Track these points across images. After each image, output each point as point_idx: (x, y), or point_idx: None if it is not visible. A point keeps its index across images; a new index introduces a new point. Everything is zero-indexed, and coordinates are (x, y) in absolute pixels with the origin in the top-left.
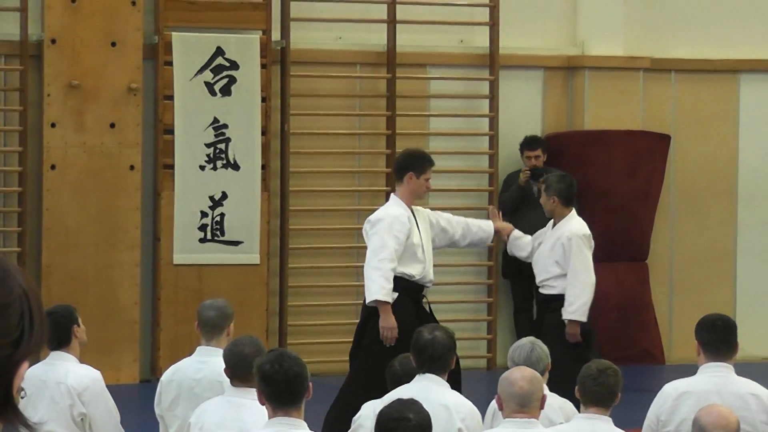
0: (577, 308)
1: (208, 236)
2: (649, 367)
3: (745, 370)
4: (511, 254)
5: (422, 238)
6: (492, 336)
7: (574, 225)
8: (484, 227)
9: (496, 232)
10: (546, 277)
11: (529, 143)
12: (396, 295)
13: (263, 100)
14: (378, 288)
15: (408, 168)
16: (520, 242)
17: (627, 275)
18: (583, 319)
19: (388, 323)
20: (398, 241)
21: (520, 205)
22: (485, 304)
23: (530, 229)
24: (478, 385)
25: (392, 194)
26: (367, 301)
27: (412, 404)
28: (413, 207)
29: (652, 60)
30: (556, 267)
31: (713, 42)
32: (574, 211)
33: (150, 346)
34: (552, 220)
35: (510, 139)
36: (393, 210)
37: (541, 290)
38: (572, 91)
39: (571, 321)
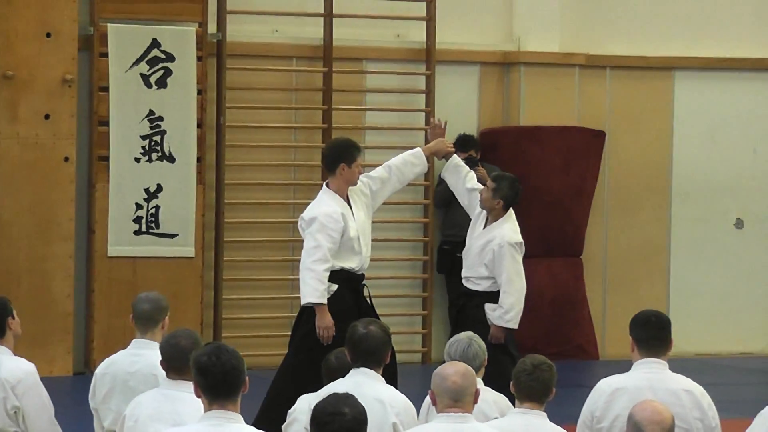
0: (512, 317)
1: (143, 228)
2: (582, 362)
3: (677, 366)
4: (443, 177)
5: (359, 230)
6: (427, 330)
7: (507, 231)
8: (416, 161)
9: (434, 155)
10: (473, 274)
11: (461, 144)
12: (335, 287)
13: (199, 92)
14: (311, 290)
15: (339, 159)
16: (457, 171)
17: (561, 271)
18: (515, 326)
19: (324, 323)
20: (332, 240)
21: (454, 198)
22: (420, 299)
23: (464, 221)
24: (413, 380)
25: (324, 187)
26: (301, 303)
27: (347, 398)
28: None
29: (587, 56)
30: (483, 269)
31: (648, 39)
32: (511, 212)
33: (84, 338)
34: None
35: (446, 134)
36: (326, 207)
37: (465, 283)
38: (508, 87)
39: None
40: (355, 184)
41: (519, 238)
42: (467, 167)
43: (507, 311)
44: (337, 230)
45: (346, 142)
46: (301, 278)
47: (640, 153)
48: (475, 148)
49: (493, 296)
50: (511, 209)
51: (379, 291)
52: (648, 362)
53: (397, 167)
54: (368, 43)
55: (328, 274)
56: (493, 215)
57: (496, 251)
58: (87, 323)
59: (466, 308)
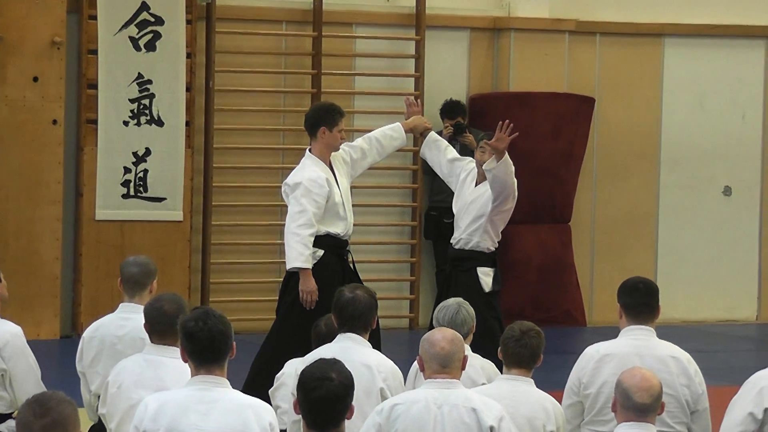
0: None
1: (131, 192)
2: (570, 329)
3: (664, 333)
4: (422, 156)
5: (342, 195)
6: (414, 296)
7: None
8: (395, 135)
9: (412, 131)
10: (465, 235)
11: (447, 111)
12: (321, 253)
13: (188, 56)
14: (296, 255)
15: (319, 123)
16: (436, 146)
17: (549, 237)
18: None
19: (307, 287)
20: (317, 205)
21: None
22: (408, 265)
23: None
24: (401, 345)
25: (307, 152)
26: (287, 268)
27: (335, 364)
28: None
29: (577, 23)
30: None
31: (638, 5)
32: None
33: (71, 301)
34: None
35: (435, 100)
36: (311, 172)
37: (456, 246)
38: (498, 53)
39: None
40: (337, 149)
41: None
42: (445, 141)
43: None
44: (322, 195)
45: (328, 105)
46: (287, 243)
47: (629, 119)
48: (462, 114)
49: (485, 258)
50: None
51: (366, 256)
52: (635, 329)
53: (377, 140)
54: (358, 8)
55: (312, 239)
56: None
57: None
58: (74, 286)
59: (455, 273)
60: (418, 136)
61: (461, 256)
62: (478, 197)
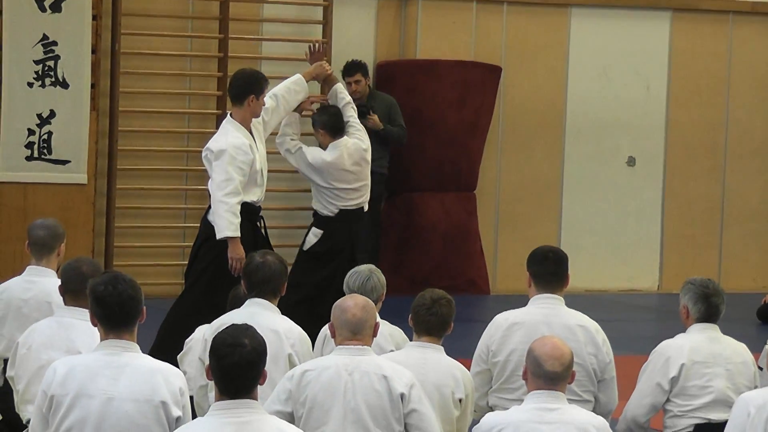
0: None
1: (35, 154)
2: (473, 296)
3: (567, 302)
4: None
5: (261, 162)
6: None
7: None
8: (298, 88)
9: (315, 78)
10: None
11: (347, 69)
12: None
13: (94, 18)
14: (227, 224)
15: (249, 91)
16: (336, 101)
17: (454, 205)
18: None
19: (237, 254)
20: (243, 172)
21: None
22: None
23: None
24: None
25: (229, 117)
26: (217, 237)
27: (247, 330)
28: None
29: None
30: None
31: None
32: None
33: None
34: None
35: (342, 66)
36: (234, 139)
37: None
38: (405, 20)
39: None
40: (259, 115)
41: None
42: (348, 98)
43: None
44: (247, 162)
45: (256, 73)
46: (215, 212)
47: (535, 89)
48: (363, 72)
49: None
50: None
51: (277, 222)
52: (544, 297)
53: (282, 96)
54: None
55: (239, 207)
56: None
57: None
58: None
59: None
60: (320, 83)
61: None
62: None
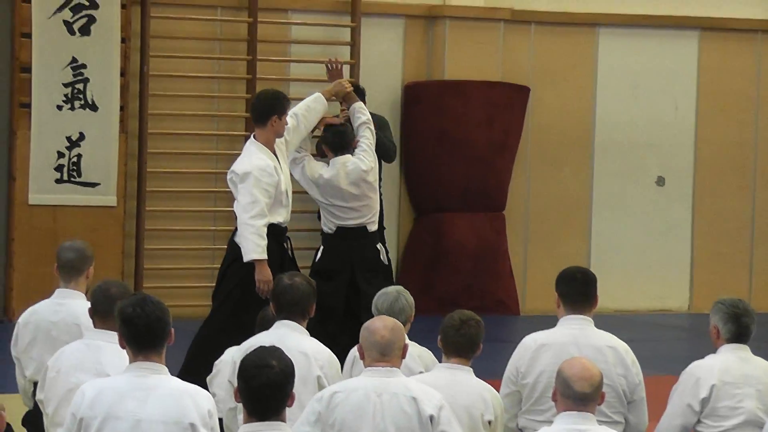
0: None
1: (65, 177)
2: (503, 317)
3: (597, 322)
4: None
5: (286, 183)
6: None
7: None
8: (319, 107)
9: (335, 96)
10: None
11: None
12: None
13: (123, 40)
14: (253, 246)
15: (272, 111)
16: (353, 119)
17: (483, 225)
18: None
19: (264, 276)
20: (268, 194)
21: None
22: None
23: None
24: None
25: (252, 139)
26: (244, 260)
27: (275, 351)
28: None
29: (512, 11)
30: None
31: None
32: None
33: (3, 286)
34: None
35: (370, 87)
36: (259, 161)
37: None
38: (432, 41)
39: None
40: (282, 136)
41: None
42: (364, 118)
43: None
44: (272, 184)
45: (278, 94)
46: (241, 234)
47: (563, 109)
48: (358, 94)
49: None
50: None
51: (304, 243)
52: (573, 318)
53: (303, 115)
54: None
55: (266, 229)
56: None
57: None
58: (6, 272)
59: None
60: (340, 101)
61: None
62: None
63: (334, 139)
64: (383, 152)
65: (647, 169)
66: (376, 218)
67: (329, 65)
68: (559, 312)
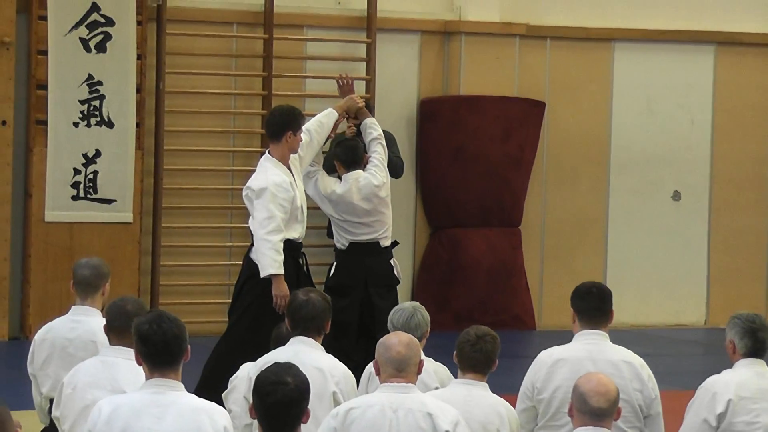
0: None
1: (81, 194)
2: (519, 332)
3: (613, 337)
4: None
5: (301, 198)
6: None
7: None
8: (330, 123)
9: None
10: None
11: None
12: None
13: (138, 57)
14: (270, 262)
15: (287, 127)
16: (364, 135)
17: (499, 241)
18: None
19: (281, 291)
20: (284, 209)
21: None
22: None
23: None
24: None
25: (267, 155)
26: (261, 275)
27: (290, 368)
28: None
29: (527, 27)
30: None
31: (588, 10)
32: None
33: (19, 303)
34: None
35: (386, 103)
36: (274, 176)
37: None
38: (448, 56)
39: None
40: (297, 151)
41: None
42: (375, 134)
43: None
44: (288, 200)
45: (293, 110)
46: (258, 250)
47: (579, 124)
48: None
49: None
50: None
51: (320, 259)
52: (589, 333)
53: (315, 131)
54: (309, 10)
55: (282, 244)
56: None
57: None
58: (23, 288)
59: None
60: (352, 117)
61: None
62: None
63: (345, 154)
64: (392, 169)
65: (663, 184)
66: (389, 233)
67: (340, 81)
68: (575, 327)
